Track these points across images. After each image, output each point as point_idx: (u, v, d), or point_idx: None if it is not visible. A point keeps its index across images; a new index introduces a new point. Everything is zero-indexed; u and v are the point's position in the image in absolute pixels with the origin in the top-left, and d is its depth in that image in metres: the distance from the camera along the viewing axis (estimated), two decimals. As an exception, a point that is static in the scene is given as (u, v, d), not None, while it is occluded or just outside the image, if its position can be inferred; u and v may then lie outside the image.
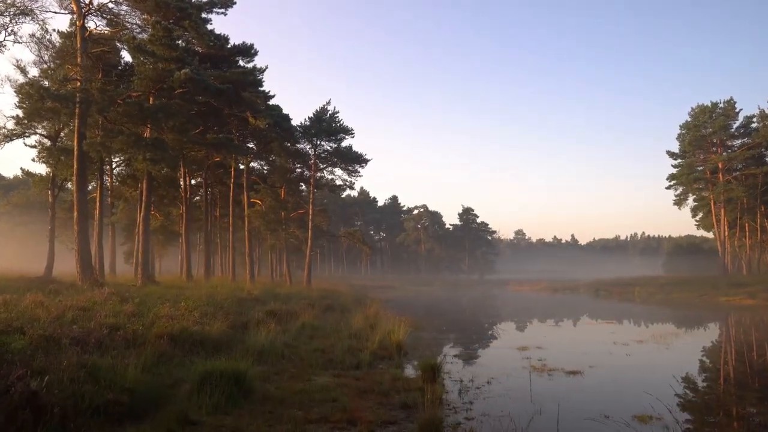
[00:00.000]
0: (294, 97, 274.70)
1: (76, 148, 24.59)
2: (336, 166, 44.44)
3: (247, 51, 32.80)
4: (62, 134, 35.32)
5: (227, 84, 27.33)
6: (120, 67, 29.17)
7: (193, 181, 48.13)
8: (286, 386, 10.19)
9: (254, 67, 33.32)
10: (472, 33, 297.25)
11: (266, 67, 35.35)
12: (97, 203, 32.38)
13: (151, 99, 26.62)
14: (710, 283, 56.85)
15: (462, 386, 11.34)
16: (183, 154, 33.34)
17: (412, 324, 18.34)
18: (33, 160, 40.45)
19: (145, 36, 25.73)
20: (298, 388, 10.05)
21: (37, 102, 24.10)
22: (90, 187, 42.16)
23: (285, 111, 38.17)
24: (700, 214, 73.04)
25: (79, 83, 24.34)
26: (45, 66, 25.52)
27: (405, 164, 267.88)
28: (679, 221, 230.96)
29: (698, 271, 73.84)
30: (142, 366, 9.19)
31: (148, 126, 27.08)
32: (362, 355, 13.79)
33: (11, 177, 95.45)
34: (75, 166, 24.79)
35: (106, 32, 27.21)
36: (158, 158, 24.24)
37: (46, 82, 25.02)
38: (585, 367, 13.82)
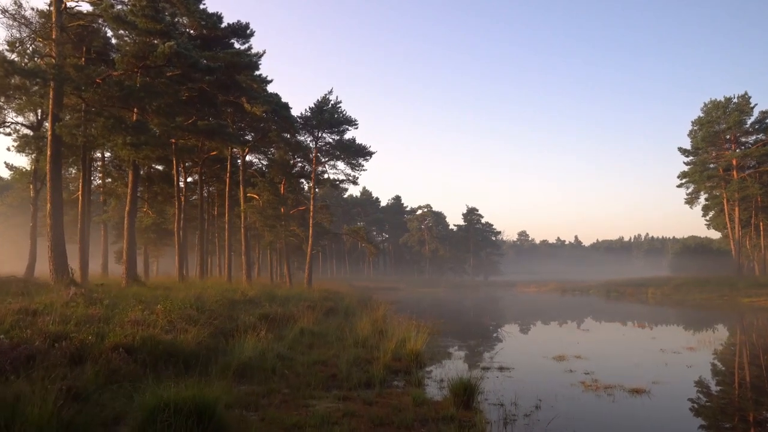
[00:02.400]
0: (293, 97, 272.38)
1: (49, 132, 22.06)
2: (338, 160, 41.81)
3: (242, 31, 30.14)
4: (46, 123, 32.86)
5: (219, 63, 24.75)
6: (99, 48, 26.52)
7: (189, 179, 45.74)
8: (275, 416, 7.61)
9: (249, 48, 30.72)
10: (477, 32, 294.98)
11: (264, 52, 32.81)
12: (80, 196, 29.81)
13: (138, 81, 24.09)
14: (727, 283, 54.63)
15: (506, 413, 8.72)
16: (175, 144, 30.72)
17: (425, 329, 15.73)
18: (8, 149, 37.72)
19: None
20: (291, 419, 7.46)
21: (3, 78, 21.57)
22: (87, 185, 39.58)
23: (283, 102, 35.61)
24: (711, 213, 70.45)
25: (53, 59, 21.82)
26: (15, 41, 23.01)
27: (408, 165, 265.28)
28: (683, 222, 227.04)
29: (707, 272, 71.16)
30: (74, 393, 6.64)
31: (135, 111, 24.57)
32: (373, 369, 11.20)
33: (8, 177, 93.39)
34: (48, 153, 22.24)
35: (85, 7, 24.65)
36: (141, 143, 21.61)
37: (16, 57, 22.49)
38: (647, 384, 11.21)
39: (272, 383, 9.62)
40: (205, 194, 50.85)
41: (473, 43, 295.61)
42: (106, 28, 27.40)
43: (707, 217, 71.81)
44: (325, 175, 43.76)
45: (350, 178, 42.89)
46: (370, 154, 40.92)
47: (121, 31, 23.76)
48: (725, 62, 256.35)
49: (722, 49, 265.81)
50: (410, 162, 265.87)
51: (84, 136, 22.01)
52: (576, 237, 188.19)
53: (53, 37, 22.38)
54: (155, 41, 21.90)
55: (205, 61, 25.25)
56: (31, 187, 33.76)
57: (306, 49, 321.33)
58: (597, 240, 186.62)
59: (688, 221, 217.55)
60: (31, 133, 30.76)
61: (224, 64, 25.95)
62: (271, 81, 33.44)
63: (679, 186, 69.24)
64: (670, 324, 28.36)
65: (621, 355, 16.24)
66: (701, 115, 66.62)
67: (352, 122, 39.67)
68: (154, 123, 24.21)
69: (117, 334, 9.65)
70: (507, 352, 16.84)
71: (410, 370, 11.88)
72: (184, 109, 28.30)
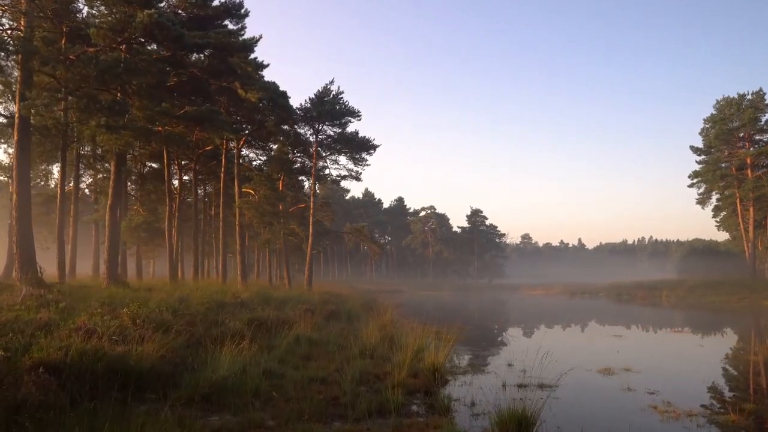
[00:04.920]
0: (293, 97, 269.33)
1: (17, 114, 19.71)
2: (340, 154, 39.32)
3: (236, 10, 27.74)
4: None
5: (208, 39, 22.40)
6: (76, 26, 24.09)
7: (185, 177, 43.38)
8: (251, 471, 5.19)
9: (243, 28, 28.35)
10: (477, 31, 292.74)
11: (260, 37, 30.28)
12: (58, 190, 27.46)
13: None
14: (742, 285, 52.64)
15: (576, 459, 6.27)
16: (162, 131, 28.29)
17: (448, 337, 13.25)
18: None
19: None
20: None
21: (-43, 52, 19.24)
22: (75, 182, 37.07)
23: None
24: (723, 214, 67.99)
25: (21, 33, 19.47)
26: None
27: (408, 165, 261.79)
28: (685, 225, 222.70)
29: (715, 275, 68.63)
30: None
31: (117, 95, 22.19)
32: (385, 388, 8.73)
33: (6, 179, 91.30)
34: (15, 137, 19.87)
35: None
36: (117, 126, 19.21)
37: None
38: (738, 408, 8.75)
39: (252, 412, 7.16)
40: (202, 194, 48.55)
41: (473, 43, 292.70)
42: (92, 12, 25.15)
43: (718, 218, 69.52)
44: (326, 171, 41.31)
45: (353, 173, 40.44)
46: (374, 147, 38.49)
47: (98, 2, 21.37)
48: (726, 62, 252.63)
49: (723, 48, 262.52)
50: (410, 162, 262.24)
51: (54, 119, 19.60)
52: (579, 240, 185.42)
53: (22, 6, 20.03)
54: (135, 11, 19.49)
55: (196, 40, 22.92)
56: (10, 181, 31.40)
57: (306, 49, 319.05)
58: (600, 243, 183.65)
59: (691, 223, 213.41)
60: (5, 122, 28.32)
61: (215, 44, 23.59)
62: (267, 66, 30.97)
63: (691, 186, 67.10)
64: (707, 329, 25.86)
65: (677, 368, 13.74)
66: (714, 112, 64.52)
67: (354, 113, 37.24)
68: (137, 106, 21.82)
69: (44, 347, 7.19)
70: (540, 363, 14.37)
71: (431, 389, 9.44)
72: (173, 98, 25.97)
